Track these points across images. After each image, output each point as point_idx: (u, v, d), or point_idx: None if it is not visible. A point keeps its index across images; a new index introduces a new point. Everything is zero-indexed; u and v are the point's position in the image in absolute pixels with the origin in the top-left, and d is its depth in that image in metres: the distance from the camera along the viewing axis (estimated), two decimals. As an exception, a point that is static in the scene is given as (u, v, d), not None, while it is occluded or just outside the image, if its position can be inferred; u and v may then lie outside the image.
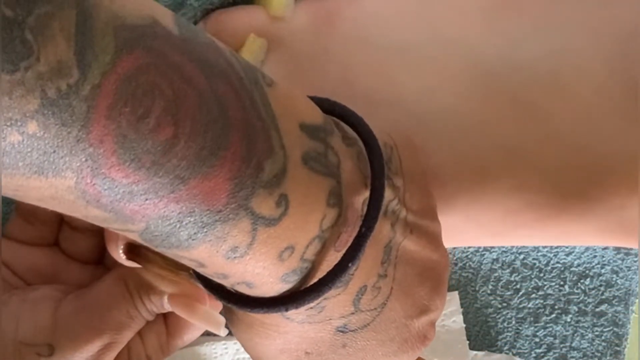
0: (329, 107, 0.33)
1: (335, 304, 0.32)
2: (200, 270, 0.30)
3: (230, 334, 0.42)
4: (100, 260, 0.44)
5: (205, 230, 0.27)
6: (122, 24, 0.24)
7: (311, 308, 0.32)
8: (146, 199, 0.25)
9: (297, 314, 0.32)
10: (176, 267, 0.38)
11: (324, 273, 0.31)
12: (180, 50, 0.25)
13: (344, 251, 0.31)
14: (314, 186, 0.29)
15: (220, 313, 0.38)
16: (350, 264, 0.31)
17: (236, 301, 0.32)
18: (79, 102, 0.23)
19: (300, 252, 0.30)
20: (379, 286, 0.33)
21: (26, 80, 0.22)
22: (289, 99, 0.30)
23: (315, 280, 0.31)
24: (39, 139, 0.23)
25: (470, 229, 0.43)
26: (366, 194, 0.32)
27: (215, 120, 0.26)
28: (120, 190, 0.25)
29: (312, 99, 0.32)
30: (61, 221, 0.43)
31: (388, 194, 0.33)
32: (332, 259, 0.31)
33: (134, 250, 0.39)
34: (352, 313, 0.33)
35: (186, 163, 0.25)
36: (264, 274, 0.29)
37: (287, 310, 0.31)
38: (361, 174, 0.32)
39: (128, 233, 0.27)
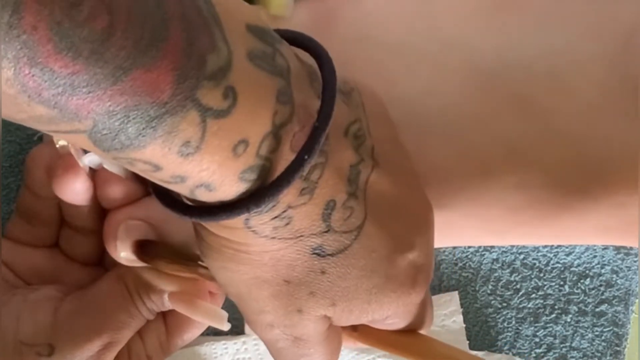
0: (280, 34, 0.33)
1: (302, 215, 0.32)
2: (157, 175, 0.29)
3: (231, 333, 0.42)
4: (100, 261, 0.44)
5: (153, 124, 0.26)
6: None
7: (276, 217, 0.31)
8: (89, 92, 0.25)
9: (263, 225, 0.32)
10: (185, 259, 0.38)
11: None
12: None
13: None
14: (262, 82, 0.29)
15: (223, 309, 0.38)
16: (306, 157, 0.30)
17: (198, 213, 0.31)
18: None
19: (255, 147, 0.29)
20: (351, 206, 0.33)
21: None
22: (234, 2, 0.29)
23: (274, 178, 0.30)
24: None
25: (471, 227, 0.43)
26: (318, 103, 0.31)
27: (151, 13, 0.25)
28: (60, 82, 0.24)
29: None
30: (61, 222, 0.43)
31: (344, 111, 0.33)
32: (290, 158, 0.30)
33: (144, 249, 0.39)
34: (325, 231, 0.33)
35: (125, 53, 0.25)
36: (221, 172, 0.29)
37: (249, 210, 0.30)
38: (313, 86, 0.32)
39: (77, 135, 0.27)
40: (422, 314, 0.38)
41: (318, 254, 0.33)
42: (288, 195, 0.31)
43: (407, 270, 0.36)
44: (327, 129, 0.31)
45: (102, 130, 0.26)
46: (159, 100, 0.26)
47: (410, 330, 0.39)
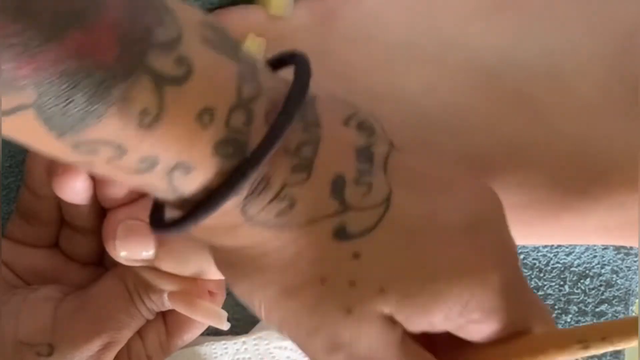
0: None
1: (306, 193, 0.31)
2: (125, 162, 0.28)
3: (231, 333, 0.42)
4: (101, 261, 0.44)
5: (101, 91, 0.25)
6: None
7: (275, 199, 0.30)
8: (22, 52, 0.23)
9: (263, 212, 0.30)
10: None
11: None
12: None
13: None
14: (219, 60, 0.28)
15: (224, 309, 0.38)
16: (284, 123, 0.29)
17: (192, 216, 0.30)
18: None
19: (223, 117, 0.28)
20: (367, 182, 0.31)
21: None
22: (191, 7, 0.29)
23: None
24: None
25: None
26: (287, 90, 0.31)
27: None
28: None
29: None
30: (61, 222, 0.43)
31: (338, 104, 0.33)
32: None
33: None
34: (342, 211, 0.31)
35: (60, 11, 0.24)
36: (191, 146, 0.28)
37: (233, 188, 0.29)
38: (283, 80, 0.31)
39: (24, 115, 0.25)
40: (519, 305, 0.32)
41: (342, 237, 0.31)
42: (278, 171, 0.30)
43: (466, 236, 0.32)
44: (303, 98, 0.30)
45: (49, 104, 0.25)
46: (104, 64, 0.25)
47: (523, 334, 0.32)
